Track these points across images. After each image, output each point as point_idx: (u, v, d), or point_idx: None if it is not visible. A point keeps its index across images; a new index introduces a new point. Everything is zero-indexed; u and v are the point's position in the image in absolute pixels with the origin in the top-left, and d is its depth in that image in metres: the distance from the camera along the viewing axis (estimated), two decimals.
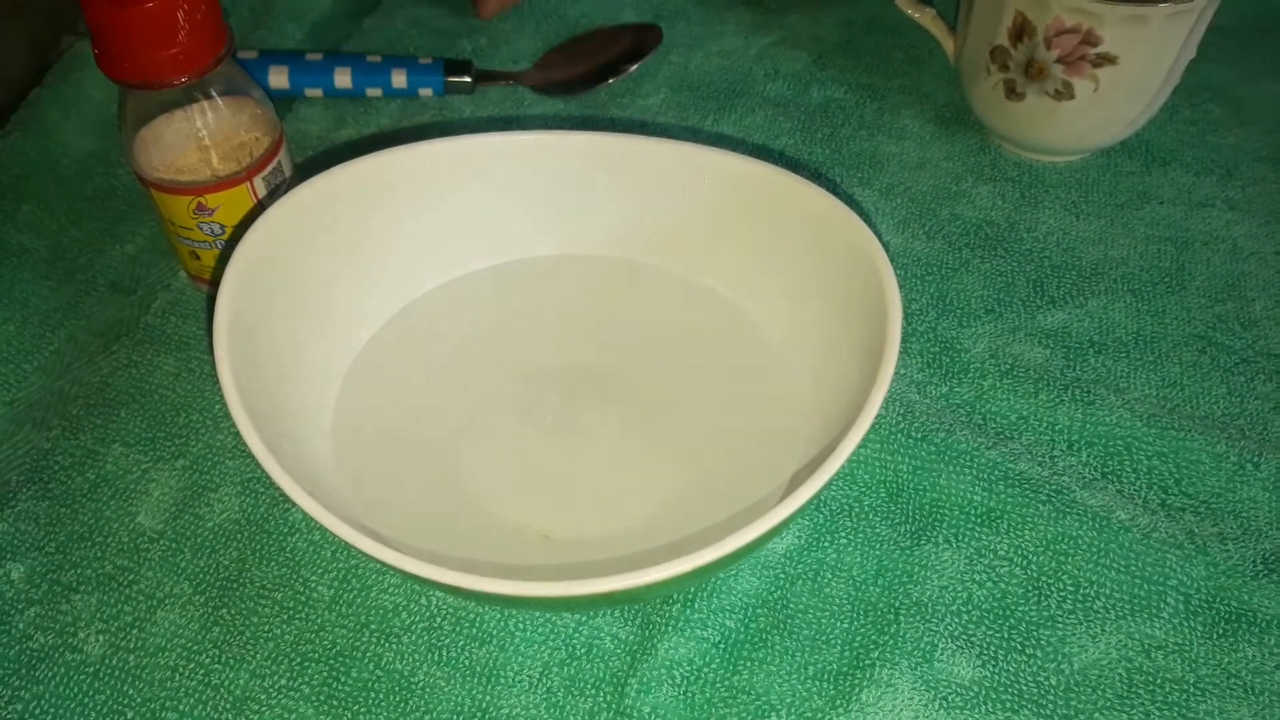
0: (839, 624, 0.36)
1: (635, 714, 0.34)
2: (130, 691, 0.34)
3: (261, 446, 0.32)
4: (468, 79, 0.53)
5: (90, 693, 0.34)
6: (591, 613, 0.36)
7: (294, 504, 0.31)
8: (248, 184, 0.41)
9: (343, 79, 0.52)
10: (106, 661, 0.35)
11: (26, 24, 0.55)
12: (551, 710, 0.34)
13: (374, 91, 0.53)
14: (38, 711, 0.34)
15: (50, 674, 0.35)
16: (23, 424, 0.41)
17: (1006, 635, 0.35)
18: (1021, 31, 0.45)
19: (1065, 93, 0.46)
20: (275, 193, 0.42)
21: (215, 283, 0.39)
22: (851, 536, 0.38)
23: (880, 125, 0.53)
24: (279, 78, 0.52)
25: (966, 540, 0.37)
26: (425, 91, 0.53)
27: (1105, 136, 0.49)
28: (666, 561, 0.30)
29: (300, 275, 0.39)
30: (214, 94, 0.39)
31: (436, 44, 0.57)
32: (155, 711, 0.34)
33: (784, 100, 0.54)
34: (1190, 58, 0.46)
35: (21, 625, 0.36)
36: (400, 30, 0.58)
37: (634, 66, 0.55)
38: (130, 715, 0.34)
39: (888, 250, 0.37)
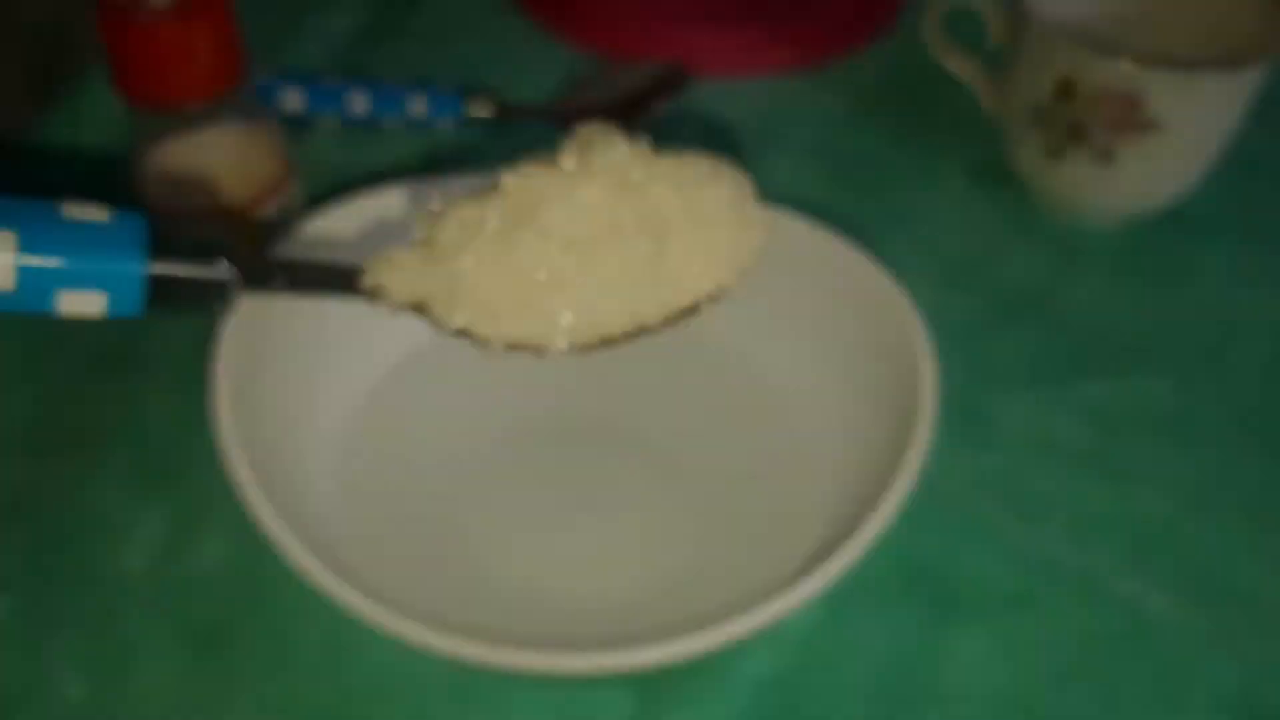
0: (852, 709, 0.34)
1: None
2: None
3: (263, 500, 0.31)
4: (489, 111, 0.52)
5: None
6: (591, 682, 0.34)
7: (289, 559, 0.30)
8: (258, 213, 0.39)
9: (360, 105, 0.51)
10: (86, 709, 0.33)
11: (21, 48, 0.54)
12: None
13: (391, 121, 0.52)
14: None
15: (28, 718, 0.33)
16: (11, 453, 0.39)
17: None
18: (1065, 92, 0.44)
19: (1108, 157, 0.44)
20: (285, 225, 0.41)
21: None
22: (869, 616, 0.36)
23: (916, 178, 0.51)
24: (294, 101, 0.51)
25: (990, 625, 0.36)
26: (444, 122, 0.52)
27: (1148, 203, 0.47)
28: (667, 640, 0.29)
29: (306, 314, 0.37)
30: (228, 120, 0.38)
31: (458, 73, 0.56)
32: None
33: (815, 148, 0.53)
34: (1239, 126, 0.45)
35: (1, 664, 0.34)
36: (421, 58, 0.57)
37: (662, 105, 0.53)
38: None
39: (919, 310, 0.36)
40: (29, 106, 0.52)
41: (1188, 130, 0.43)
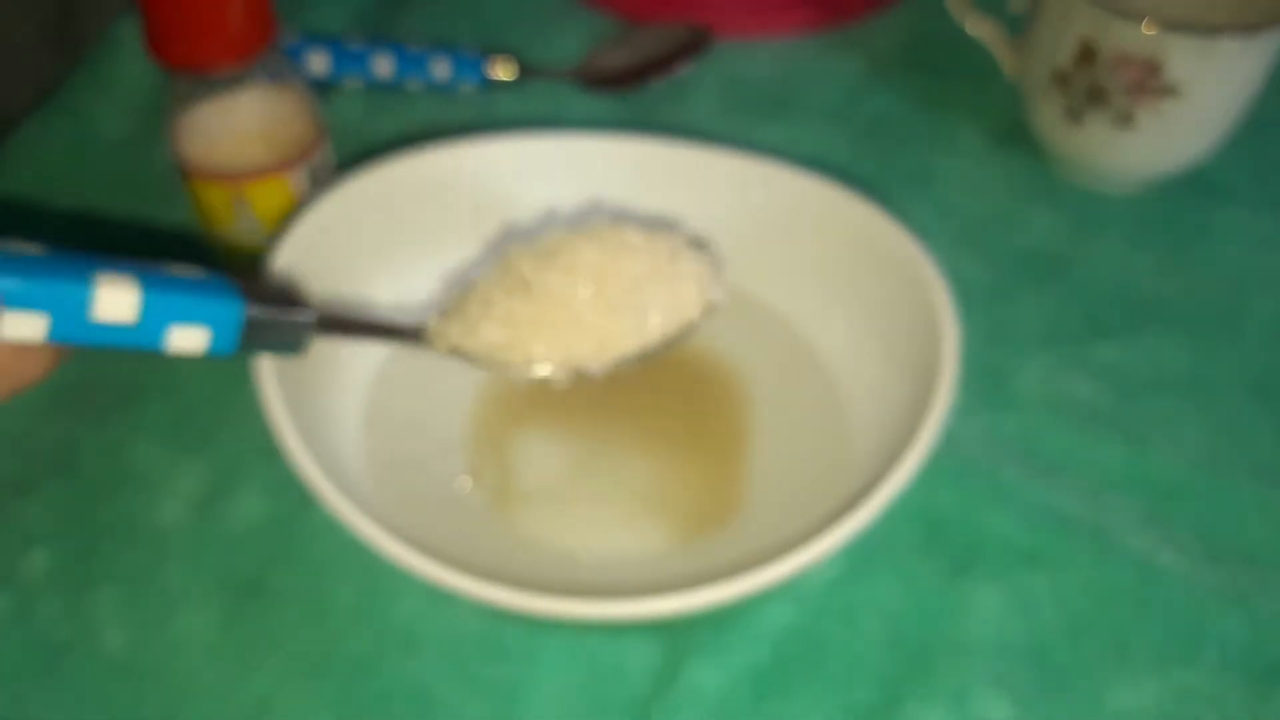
0: (871, 659, 0.35)
1: None
2: (150, 690, 0.34)
3: (302, 449, 0.32)
4: (512, 73, 0.52)
5: (111, 689, 0.34)
6: (618, 632, 0.35)
7: (326, 507, 0.31)
8: (289, 176, 0.40)
9: (384, 68, 0.52)
10: (127, 658, 0.34)
11: (38, 10, 0.54)
12: None
13: (414, 83, 0.52)
14: (59, 702, 0.33)
15: (72, 667, 0.34)
16: (53, 411, 0.40)
17: (1042, 679, 0.34)
18: (1085, 56, 0.44)
19: (1127, 121, 0.44)
20: (316, 186, 0.41)
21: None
22: (888, 569, 0.37)
23: (936, 141, 0.52)
24: (319, 63, 0.51)
25: (1006, 579, 0.36)
26: (467, 84, 0.52)
27: (1167, 167, 0.47)
28: (692, 590, 0.30)
29: (339, 272, 0.38)
30: (260, 82, 0.39)
31: (480, 36, 0.56)
32: (174, 712, 0.33)
33: (836, 110, 0.53)
34: (1258, 91, 0.45)
35: (45, 614, 0.35)
36: (444, 20, 0.57)
37: (683, 67, 0.54)
38: (149, 714, 0.33)
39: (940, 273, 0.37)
40: (46, 65, 0.53)
41: (1207, 95, 0.44)
